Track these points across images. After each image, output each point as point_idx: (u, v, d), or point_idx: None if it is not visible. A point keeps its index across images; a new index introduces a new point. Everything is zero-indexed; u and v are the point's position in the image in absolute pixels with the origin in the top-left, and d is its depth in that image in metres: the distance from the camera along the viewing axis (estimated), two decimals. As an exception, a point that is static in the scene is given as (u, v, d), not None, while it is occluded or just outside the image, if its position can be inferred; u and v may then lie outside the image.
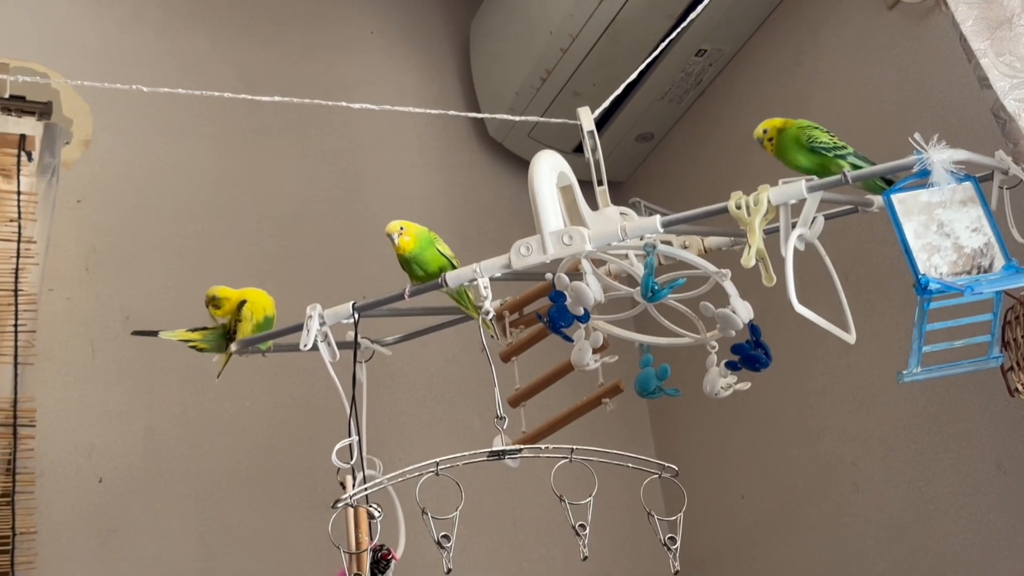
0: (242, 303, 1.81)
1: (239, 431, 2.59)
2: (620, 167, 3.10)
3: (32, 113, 2.57)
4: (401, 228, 1.67)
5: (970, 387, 2.13)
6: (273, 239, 2.82)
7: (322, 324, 1.63)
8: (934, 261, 1.42)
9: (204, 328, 1.88)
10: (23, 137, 2.52)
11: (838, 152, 1.62)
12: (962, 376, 2.11)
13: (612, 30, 2.66)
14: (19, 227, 2.43)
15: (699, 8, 2.03)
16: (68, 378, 2.49)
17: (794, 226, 1.45)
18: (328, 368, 1.63)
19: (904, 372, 1.48)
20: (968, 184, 1.46)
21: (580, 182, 1.67)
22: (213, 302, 1.84)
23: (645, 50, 2.61)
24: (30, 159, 2.51)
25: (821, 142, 1.62)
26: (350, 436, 1.57)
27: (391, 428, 2.69)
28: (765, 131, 1.69)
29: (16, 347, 2.36)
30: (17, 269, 2.40)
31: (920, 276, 1.40)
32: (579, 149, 1.81)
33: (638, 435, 3.03)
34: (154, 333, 1.90)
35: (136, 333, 1.97)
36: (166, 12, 2.96)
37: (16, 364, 2.34)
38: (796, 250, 1.44)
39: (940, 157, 1.42)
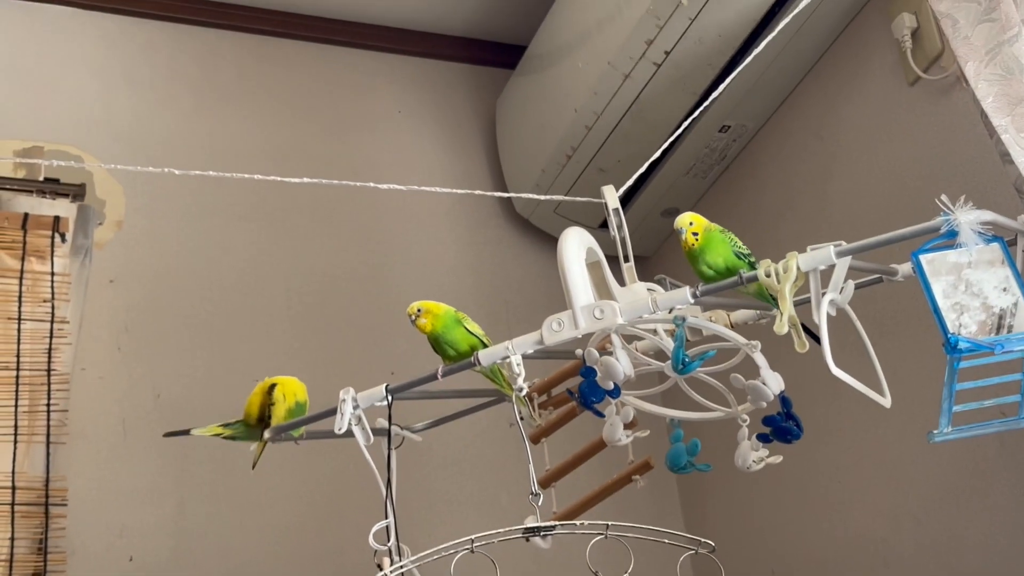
0: (271, 387, 1.80)
1: (268, 508, 2.60)
2: (646, 242, 3.12)
3: (66, 195, 2.62)
4: (418, 310, 1.68)
5: (1000, 460, 2.12)
6: (303, 317, 2.84)
7: (355, 407, 1.64)
8: (963, 320, 1.42)
9: (236, 422, 1.89)
10: (57, 219, 2.56)
11: (751, 259, 1.60)
12: (992, 447, 2.12)
13: (636, 108, 2.69)
14: (52, 307, 2.47)
15: (722, 85, 2.05)
16: (100, 457, 2.50)
17: (824, 292, 1.46)
18: (363, 451, 1.63)
19: (935, 432, 1.48)
20: (995, 245, 1.46)
21: (606, 257, 1.68)
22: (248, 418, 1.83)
23: (669, 127, 2.64)
24: (64, 240, 2.54)
25: (740, 246, 1.61)
26: (386, 518, 1.57)
27: (419, 503, 2.68)
28: (692, 223, 1.59)
29: (48, 427, 2.38)
30: (50, 349, 2.43)
31: (949, 335, 1.41)
32: (605, 224, 1.82)
33: (667, 510, 3.02)
34: (186, 432, 1.91)
35: (168, 434, 1.97)
36: (197, 95, 3.01)
37: (48, 443, 2.36)
38: (828, 316, 1.44)
39: (967, 218, 1.43)
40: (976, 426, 1.51)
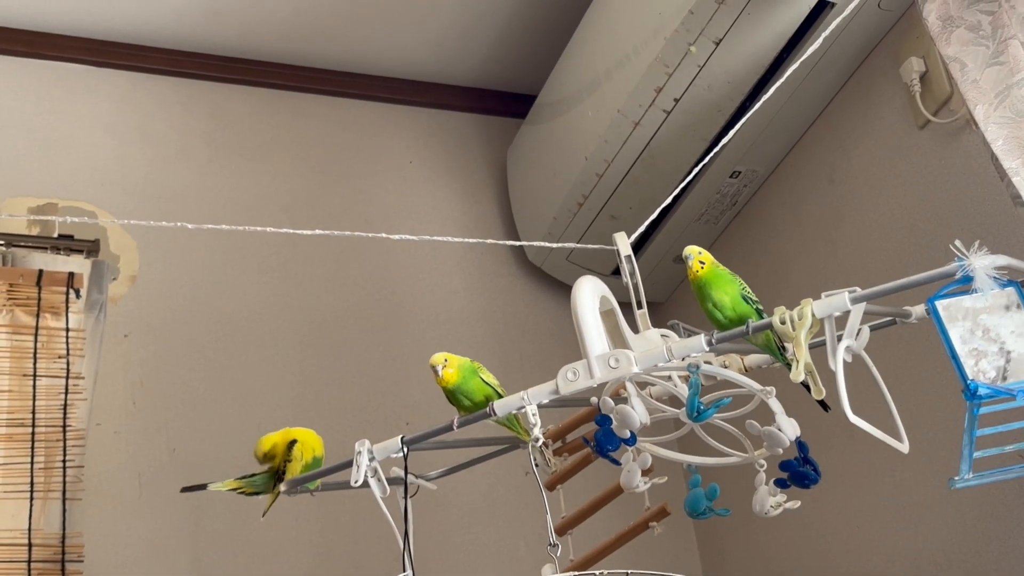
0: (292, 443, 1.81)
1: (284, 560, 2.59)
2: (659, 288, 3.12)
3: (80, 251, 2.63)
4: (445, 361, 1.68)
5: (1020, 503, 2.11)
6: (317, 368, 2.84)
7: (371, 459, 1.64)
8: (982, 366, 1.42)
9: (252, 475, 1.88)
10: (71, 275, 2.56)
11: (758, 306, 1.61)
12: (1012, 492, 2.11)
13: (647, 154, 2.70)
14: (67, 363, 2.46)
15: (732, 131, 2.06)
16: (115, 512, 2.50)
17: (839, 339, 1.45)
18: (380, 503, 1.63)
19: (956, 478, 1.47)
20: (1011, 289, 1.46)
21: (619, 303, 1.68)
22: (267, 457, 1.83)
23: (680, 173, 2.65)
24: (78, 296, 2.55)
25: (748, 291, 1.61)
26: (404, 571, 1.56)
27: (436, 552, 2.67)
28: (700, 252, 1.62)
29: (64, 483, 2.37)
30: (66, 405, 2.43)
31: (969, 382, 1.40)
32: (618, 271, 1.82)
33: (685, 555, 3.00)
34: (203, 487, 1.90)
35: (185, 490, 1.97)
36: (210, 149, 3.03)
37: (64, 500, 2.36)
38: (844, 362, 1.44)
39: (982, 263, 1.43)
40: (997, 471, 1.50)
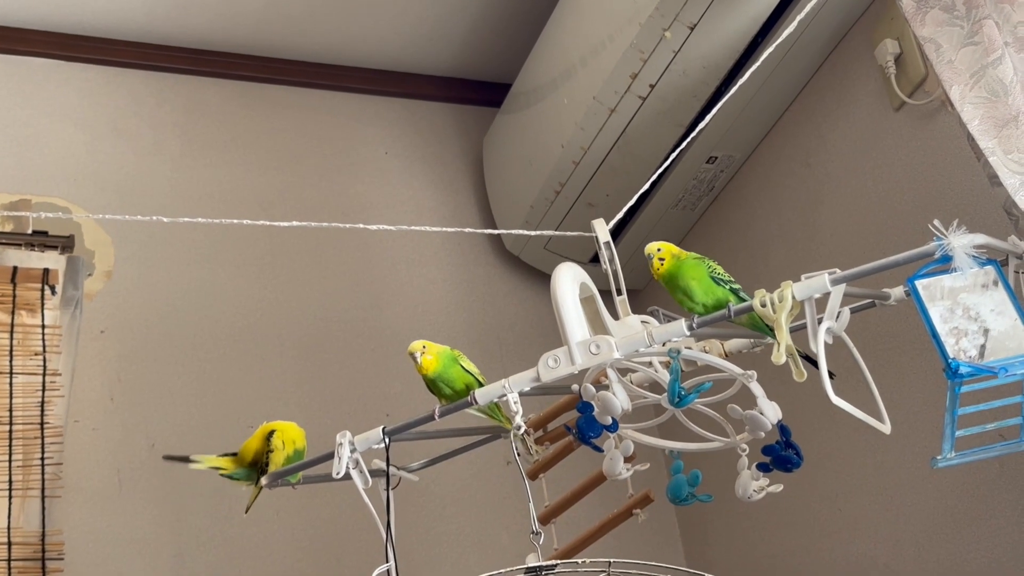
0: (270, 433, 1.79)
1: (267, 555, 2.58)
2: (637, 275, 3.11)
3: (55, 247, 2.61)
4: (423, 347, 1.67)
5: (1000, 483, 2.11)
6: (295, 361, 2.83)
7: (353, 451, 1.63)
8: (962, 345, 1.42)
9: (234, 454, 1.87)
10: (46, 271, 2.55)
11: (732, 285, 1.60)
12: (993, 471, 2.12)
13: (623, 141, 2.70)
14: (44, 360, 2.46)
15: (708, 116, 2.05)
16: (95, 509, 2.49)
17: (820, 321, 1.45)
18: (362, 495, 1.62)
19: (938, 457, 1.47)
20: (990, 268, 1.46)
21: (599, 291, 1.68)
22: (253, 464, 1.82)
23: (656, 159, 2.65)
24: (53, 292, 2.54)
25: (719, 272, 1.61)
26: (387, 561, 1.55)
27: (419, 544, 2.67)
28: (659, 249, 1.63)
29: (43, 480, 2.36)
30: (43, 402, 2.42)
31: (950, 360, 1.40)
32: (596, 259, 1.82)
33: (667, 541, 3.01)
34: (185, 458, 1.89)
35: (167, 458, 1.95)
36: (183, 143, 3.01)
37: (43, 497, 2.35)
38: (825, 344, 1.44)
39: (961, 242, 1.43)
40: (978, 450, 1.50)
